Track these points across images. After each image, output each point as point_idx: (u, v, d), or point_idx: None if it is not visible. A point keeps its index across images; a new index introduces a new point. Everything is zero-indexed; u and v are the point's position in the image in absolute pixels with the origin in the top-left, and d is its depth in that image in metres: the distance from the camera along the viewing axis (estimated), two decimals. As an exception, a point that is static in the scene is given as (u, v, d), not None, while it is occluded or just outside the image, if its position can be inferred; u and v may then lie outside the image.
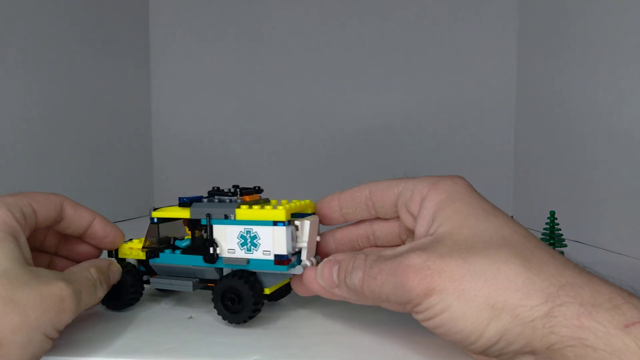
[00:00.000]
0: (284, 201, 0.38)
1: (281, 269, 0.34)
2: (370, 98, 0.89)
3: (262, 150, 0.92)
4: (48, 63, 0.68)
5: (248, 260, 0.35)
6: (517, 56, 0.83)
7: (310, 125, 0.91)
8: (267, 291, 0.36)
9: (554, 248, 0.53)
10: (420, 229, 0.31)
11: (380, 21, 0.88)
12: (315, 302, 0.40)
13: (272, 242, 0.34)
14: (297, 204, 0.37)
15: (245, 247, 0.35)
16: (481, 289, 0.25)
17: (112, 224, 0.39)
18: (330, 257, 0.33)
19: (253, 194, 0.38)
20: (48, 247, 0.39)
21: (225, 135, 0.93)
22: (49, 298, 0.29)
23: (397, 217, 0.35)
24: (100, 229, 0.38)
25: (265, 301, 0.37)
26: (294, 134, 0.91)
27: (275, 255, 0.34)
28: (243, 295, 0.34)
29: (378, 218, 0.36)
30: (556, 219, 0.54)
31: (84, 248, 0.39)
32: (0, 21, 0.60)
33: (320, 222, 0.38)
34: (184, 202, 0.37)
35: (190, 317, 0.37)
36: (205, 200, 0.37)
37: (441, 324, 0.26)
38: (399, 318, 0.35)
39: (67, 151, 0.72)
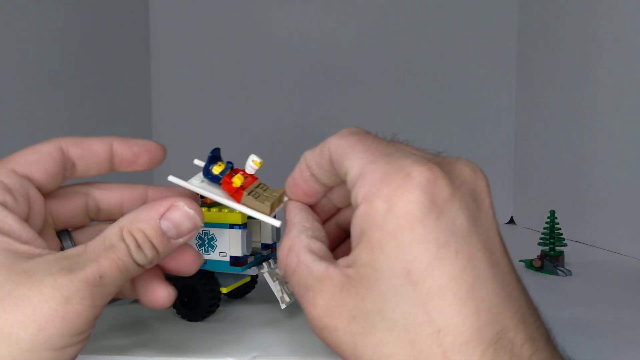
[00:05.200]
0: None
1: (236, 270, 0.35)
2: (370, 101, 0.89)
3: (261, 150, 0.92)
4: (47, 63, 0.68)
5: (205, 261, 0.36)
6: (517, 56, 0.83)
7: (311, 126, 0.91)
8: (224, 290, 0.37)
9: (554, 248, 0.54)
10: (352, 244, 0.24)
11: (379, 23, 0.88)
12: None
13: (228, 244, 0.35)
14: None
15: (202, 247, 0.36)
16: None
17: (136, 140, 0.30)
18: (292, 202, 0.29)
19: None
20: None
21: (225, 135, 0.93)
22: (46, 306, 0.22)
23: None
24: (125, 152, 0.29)
25: (223, 296, 0.38)
26: (295, 134, 0.91)
27: (231, 257, 0.35)
28: (199, 294, 0.35)
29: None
30: (556, 218, 0.54)
31: (114, 194, 0.30)
32: (0, 21, 0.60)
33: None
34: None
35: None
36: None
37: None
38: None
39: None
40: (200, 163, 0.31)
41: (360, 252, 0.23)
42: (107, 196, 0.30)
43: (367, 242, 0.22)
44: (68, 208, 0.29)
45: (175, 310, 0.37)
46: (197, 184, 0.30)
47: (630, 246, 0.58)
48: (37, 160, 0.27)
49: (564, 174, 0.70)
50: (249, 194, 0.30)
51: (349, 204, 0.27)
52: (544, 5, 0.76)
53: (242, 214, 0.35)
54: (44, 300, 0.22)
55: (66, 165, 0.28)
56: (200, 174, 0.31)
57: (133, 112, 0.90)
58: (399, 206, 0.21)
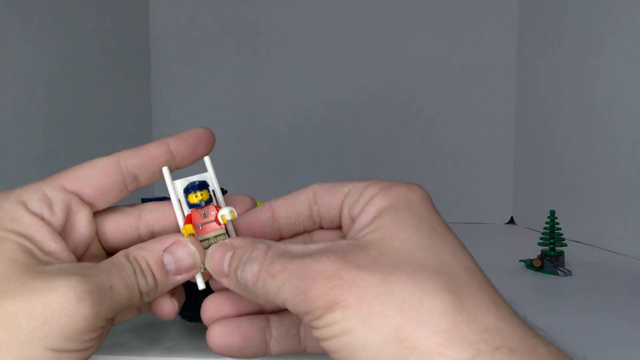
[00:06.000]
0: None
1: None
2: (370, 102, 0.89)
3: (261, 150, 0.92)
4: (48, 64, 0.68)
5: None
6: (517, 55, 0.83)
7: (311, 129, 0.91)
8: None
9: (554, 248, 0.54)
10: (352, 232, 0.25)
11: (379, 21, 0.88)
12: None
13: None
14: None
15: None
16: (393, 317, 0.20)
17: (186, 132, 0.29)
18: (226, 240, 0.27)
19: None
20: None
21: (225, 136, 0.93)
22: (57, 301, 0.22)
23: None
24: (183, 147, 0.29)
25: None
26: (295, 136, 0.91)
27: None
28: (199, 294, 0.35)
29: (320, 228, 0.29)
30: (556, 218, 0.54)
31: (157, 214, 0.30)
32: (0, 21, 0.60)
33: None
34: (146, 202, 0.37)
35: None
36: None
37: (339, 349, 0.21)
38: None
39: (67, 152, 0.72)
40: (209, 169, 0.30)
41: (380, 216, 0.24)
42: (160, 217, 0.29)
43: (391, 207, 0.24)
44: (113, 228, 0.29)
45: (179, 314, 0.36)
46: (178, 190, 0.29)
47: (630, 246, 0.58)
48: (87, 175, 0.27)
49: (564, 174, 0.70)
50: (201, 240, 0.28)
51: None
52: (544, 4, 0.76)
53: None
54: (56, 296, 0.22)
55: (125, 179, 0.28)
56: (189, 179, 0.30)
57: (133, 113, 0.90)
58: (417, 189, 0.26)
